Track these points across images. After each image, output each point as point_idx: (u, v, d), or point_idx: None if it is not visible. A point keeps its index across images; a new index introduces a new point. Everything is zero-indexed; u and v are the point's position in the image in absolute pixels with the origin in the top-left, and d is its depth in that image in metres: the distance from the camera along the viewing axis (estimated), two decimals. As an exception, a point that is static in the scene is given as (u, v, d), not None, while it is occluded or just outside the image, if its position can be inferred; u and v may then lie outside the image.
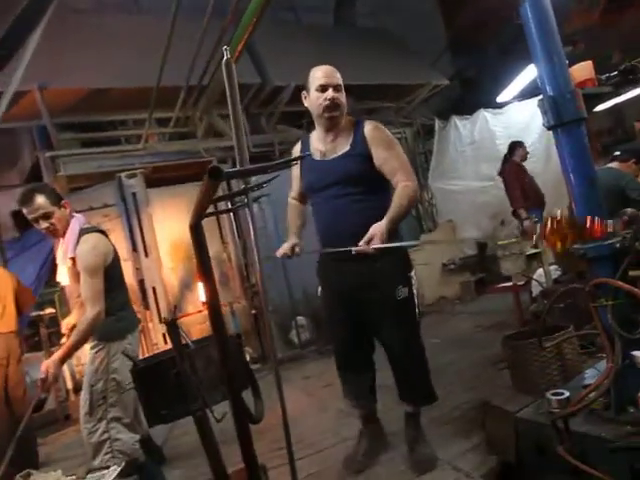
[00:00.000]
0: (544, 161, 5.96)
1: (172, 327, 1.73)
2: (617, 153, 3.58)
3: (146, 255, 5.02)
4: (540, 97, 1.87)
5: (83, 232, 2.29)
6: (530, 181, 5.25)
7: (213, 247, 5.87)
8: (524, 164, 5.30)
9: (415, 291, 2.14)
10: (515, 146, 5.30)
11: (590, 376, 2.01)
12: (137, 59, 4.76)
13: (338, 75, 2.07)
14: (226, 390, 1.93)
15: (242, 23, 3.26)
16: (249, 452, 1.18)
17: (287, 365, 4.95)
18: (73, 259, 2.26)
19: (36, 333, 5.07)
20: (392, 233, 1.89)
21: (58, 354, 2.22)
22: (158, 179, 5.61)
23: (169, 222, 5.25)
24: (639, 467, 1.53)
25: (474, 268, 6.38)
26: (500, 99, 6.65)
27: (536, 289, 3.75)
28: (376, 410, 2.37)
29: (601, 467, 1.58)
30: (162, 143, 5.71)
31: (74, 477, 1.77)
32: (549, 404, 1.86)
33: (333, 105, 2.03)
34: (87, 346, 2.34)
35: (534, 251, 3.77)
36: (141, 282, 4.98)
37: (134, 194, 5.18)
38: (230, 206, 1.77)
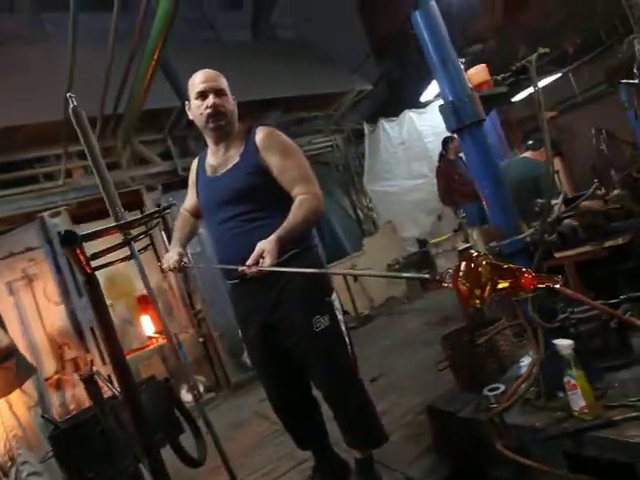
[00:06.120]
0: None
1: (88, 383, 1.62)
2: (530, 142, 3.70)
3: (80, 295, 4.74)
4: (441, 103, 1.91)
5: None
6: (461, 177, 5.18)
7: (153, 278, 5.64)
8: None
9: (341, 317, 1.84)
10: (446, 142, 5.30)
11: (525, 365, 2.04)
12: (49, 91, 4.50)
13: (222, 79, 1.81)
14: (163, 435, 1.84)
15: (148, 48, 3.16)
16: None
17: (243, 390, 4.83)
18: None
19: None
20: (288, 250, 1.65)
21: None
22: (87, 213, 5.35)
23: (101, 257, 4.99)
24: (572, 452, 1.57)
25: (418, 265, 6.49)
26: (423, 98, 6.68)
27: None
28: (329, 445, 2.10)
29: (539, 457, 1.61)
30: (85, 177, 5.45)
31: None
32: (487, 400, 1.89)
33: (216, 112, 1.75)
34: None
35: (466, 246, 3.83)
36: (77, 325, 4.69)
37: (60, 233, 4.91)
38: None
